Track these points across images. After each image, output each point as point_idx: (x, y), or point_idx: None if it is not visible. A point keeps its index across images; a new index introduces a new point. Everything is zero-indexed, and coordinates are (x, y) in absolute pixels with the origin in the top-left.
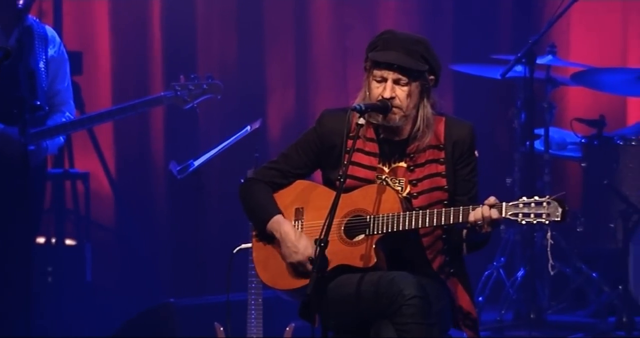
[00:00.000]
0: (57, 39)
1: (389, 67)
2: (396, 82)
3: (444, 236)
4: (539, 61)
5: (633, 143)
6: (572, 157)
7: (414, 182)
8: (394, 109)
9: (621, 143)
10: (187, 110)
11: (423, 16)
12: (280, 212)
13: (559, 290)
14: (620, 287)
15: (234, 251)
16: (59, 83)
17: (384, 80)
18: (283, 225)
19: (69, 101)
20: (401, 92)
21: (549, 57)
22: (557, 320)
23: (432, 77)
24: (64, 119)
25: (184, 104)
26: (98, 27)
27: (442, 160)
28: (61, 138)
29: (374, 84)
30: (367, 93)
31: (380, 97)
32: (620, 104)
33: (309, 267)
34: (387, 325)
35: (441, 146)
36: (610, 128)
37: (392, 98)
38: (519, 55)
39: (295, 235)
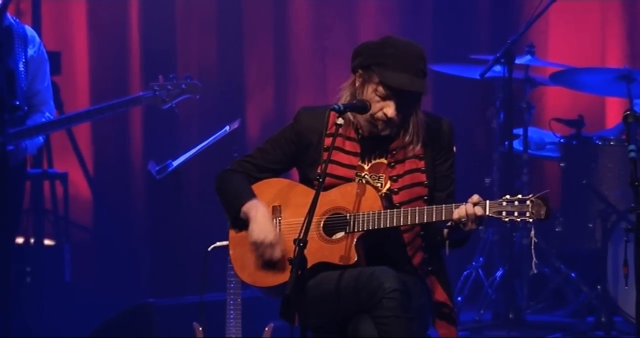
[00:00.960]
0: (37, 38)
1: (399, 91)
2: (400, 102)
3: (422, 233)
4: (517, 61)
5: (612, 143)
6: (550, 157)
7: (395, 177)
8: (388, 124)
9: (600, 143)
10: (165, 110)
11: (402, 16)
12: (256, 197)
13: (538, 290)
14: (599, 286)
15: (209, 249)
16: (38, 83)
17: (389, 98)
18: (259, 208)
19: (49, 101)
20: (403, 110)
21: (528, 57)
22: (536, 320)
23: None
24: (43, 119)
25: (163, 104)
26: (76, 27)
27: (421, 155)
28: (40, 138)
29: (375, 98)
30: (359, 98)
31: (381, 113)
32: (599, 104)
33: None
34: (366, 320)
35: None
36: (588, 128)
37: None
38: (497, 55)
39: (269, 219)
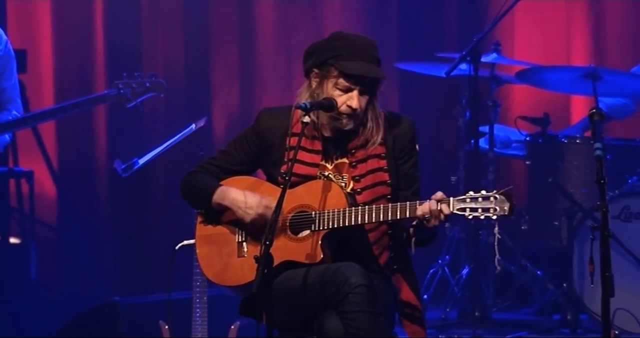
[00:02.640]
0: (4, 36)
1: (361, 79)
2: (362, 93)
3: (389, 232)
4: (483, 59)
5: (577, 141)
6: (516, 155)
7: (357, 177)
8: (352, 116)
9: (565, 141)
10: (131, 109)
11: (368, 15)
12: (223, 185)
13: (504, 288)
14: (564, 284)
15: (176, 248)
16: (5, 81)
17: (350, 89)
18: (230, 191)
19: (16, 99)
20: (363, 100)
21: (494, 55)
22: (502, 318)
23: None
24: (10, 117)
25: (127, 102)
26: (41, 26)
27: (383, 155)
28: (7, 136)
29: (336, 92)
30: (319, 97)
31: (345, 106)
32: (565, 102)
33: (268, 213)
34: (331, 315)
35: (382, 141)
36: (554, 126)
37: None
38: (463, 53)
39: (245, 194)
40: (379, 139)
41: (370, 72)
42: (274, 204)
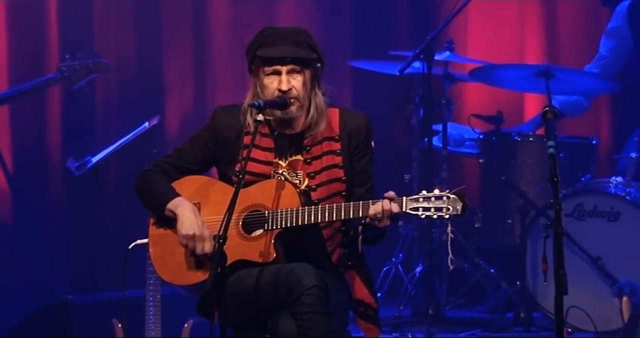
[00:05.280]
0: None
1: (282, 60)
2: (290, 73)
3: (342, 228)
4: (436, 57)
5: (531, 139)
6: (470, 153)
7: (312, 174)
8: (291, 100)
9: (519, 139)
10: (84, 105)
11: (322, 12)
12: (179, 196)
13: (457, 286)
14: (518, 282)
15: (130, 247)
16: None
17: (277, 73)
18: (182, 207)
19: None
20: (296, 82)
21: (447, 53)
22: (455, 316)
23: (318, 64)
24: None
25: (72, 84)
26: None
27: (338, 151)
28: None
29: (267, 80)
30: (260, 91)
31: (277, 91)
32: (518, 100)
33: (197, 246)
34: (285, 316)
35: (336, 137)
36: (508, 124)
37: (289, 89)
38: (417, 51)
39: (195, 214)
40: (322, 128)
41: (287, 51)
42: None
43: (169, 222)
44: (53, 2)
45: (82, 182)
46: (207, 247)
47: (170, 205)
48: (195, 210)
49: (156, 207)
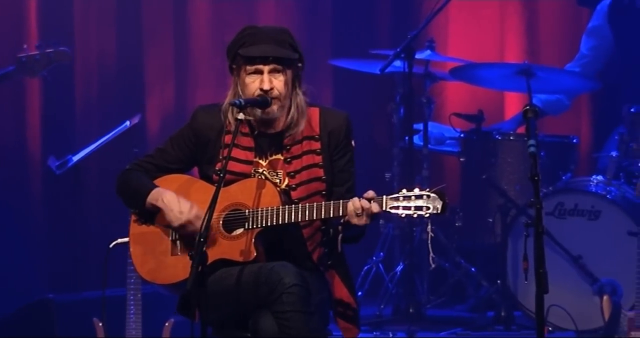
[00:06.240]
0: None
1: (264, 60)
2: (271, 73)
3: (323, 227)
4: (417, 56)
5: (511, 138)
6: (450, 152)
7: (292, 173)
8: (273, 100)
9: (499, 138)
10: (64, 105)
11: (302, 10)
12: (158, 187)
13: (438, 284)
14: (498, 281)
15: (111, 246)
16: None
17: (259, 73)
18: (164, 193)
19: None
20: (278, 82)
21: (428, 52)
22: (436, 315)
23: (300, 64)
24: None
25: (34, 74)
26: None
27: (318, 150)
28: None
29: (249, 79)
30: (241, 90)
31: (258, 90)
32: (498, 99)
33: (197, 223)
34: (266, 315)
35: (317, 137)
36: (488, 123)
37: (270, 89)
38: (397, 50)
39: (179, 199)
40: (302, 128)
41: (270, 51)
42: (203, 213)
43: (151, 218)
44: (33, 5)
45: (62, 180)
46: (196, 225)
47: (150, 198)
48: (175, 195)
49: (137, 200)
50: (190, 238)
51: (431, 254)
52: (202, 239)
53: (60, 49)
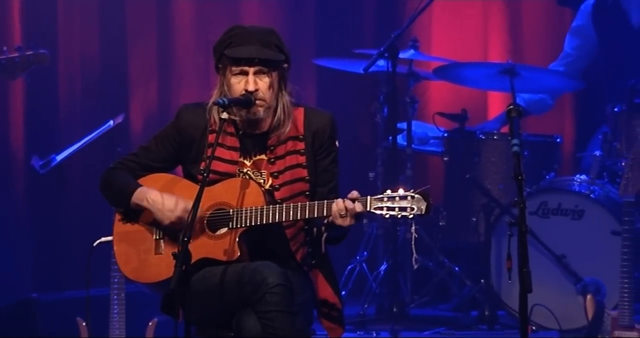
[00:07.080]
0: None
1: (249, 61)
2: (257, 74)
3: (306, 227)
4: (401, 55)
5: (495, 137)
6: (434, 152)
7: (275, 174)
8: (257, 102)
9: (483, 137)
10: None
11: (286, 10)
12: (142, 186)
13: (422, 284)
14: (482, 280)
15: (94, 244)
16: None
17: (244, 74)
18: (149, 193)
19: None
20: (263, 84)
21: (412, 51)
22: (420, 314)
23: (286, 65)
24: None
25: (13, 77)
26: None
27: (302, 151)
28: None
29: (234, 80)
30: (226, 89)
31: (243, 91)
32: (482, 98)
33: (186, 216)
34: (250, 315)
35: (301, 137)
36: (472, 122)
37: (255, 90)
38: (381, 49)
39: (163, 196)
40: (288, 129)
41: (257, 53)
42: (190, 205)
43: (135, 217)
44: (17, 5)
45: (46, 180)
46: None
47: (135, 197)
48: (159, 194)
49: (121, 199)
50: (174, 237)
51: (414, 255)
52: (185, 238)
53: (40, 51)
